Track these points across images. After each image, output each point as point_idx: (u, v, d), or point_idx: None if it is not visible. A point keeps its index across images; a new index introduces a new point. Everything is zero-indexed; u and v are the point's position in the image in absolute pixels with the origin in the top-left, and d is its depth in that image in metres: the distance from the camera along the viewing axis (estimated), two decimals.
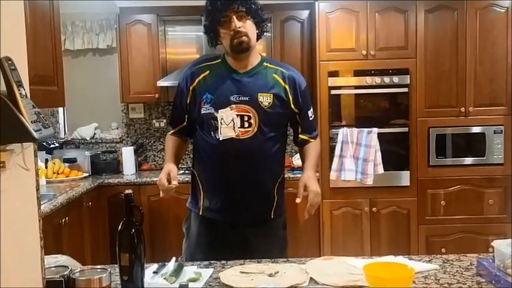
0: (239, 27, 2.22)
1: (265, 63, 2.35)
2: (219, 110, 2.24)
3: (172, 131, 2.47)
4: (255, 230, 2.34)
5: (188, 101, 2.35)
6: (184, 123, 2.42)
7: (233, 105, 2.24)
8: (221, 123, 2.24)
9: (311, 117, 2.44)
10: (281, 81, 2.32)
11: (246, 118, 2.24)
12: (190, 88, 2.33)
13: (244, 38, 2.23)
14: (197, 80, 2.32)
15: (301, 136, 2.45)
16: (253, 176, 2.29)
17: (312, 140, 2.46)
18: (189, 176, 4.53)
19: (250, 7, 2.24)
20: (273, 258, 2.08)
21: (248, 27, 2.25)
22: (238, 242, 2.30)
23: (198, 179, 2.42)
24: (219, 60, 2.36)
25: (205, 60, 2.41)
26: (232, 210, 2.32)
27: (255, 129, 2.25)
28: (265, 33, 2.39)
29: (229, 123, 2.23)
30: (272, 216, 2.38)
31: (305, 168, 2.41)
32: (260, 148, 2.27)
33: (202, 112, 2.28)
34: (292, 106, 2.34)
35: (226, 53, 2.35)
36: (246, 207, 2.32)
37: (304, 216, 2.26)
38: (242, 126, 2.24)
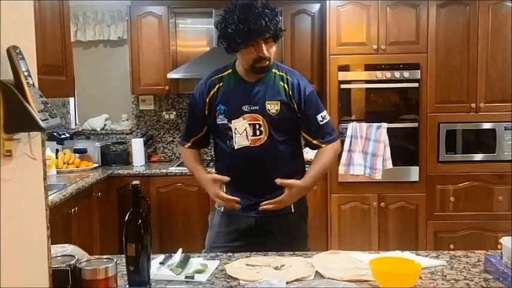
0: (266, 55, 2.25)
1: (273, 70, 2.38)
2: (232, 121, 2.32)
3: (188, 145, 2.51)
4: (275, 222, 2.37)
5: (207, 112, 2.40)
6: (202, 133, 2.47)
7: (245, 115, 2.31)
8: (235, 133, 2.32)
9: (322, 121, 2.39)
10: (286, 87, 2.35)
11: (257, 126, 2.31)
12: (207, 100, 2.39)
13: (267, 63, 2.29)
14: (212, 92, 2.38)
15: (314, 142, 2.42)
16: (270, 179, 2.30)
17: (323, 145, 2.41)
18: None
19: (276, 33, 2.25)
20: (293, 250, 2.11)
21: (272, 51, 2.29)
22: (259, 234, 2.36)
23: None
24: (230, 70, 2.40)
25: (217, 71, 2.43)
26: (254, 209, 2.35)
27: (266, 137, 2.31)
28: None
29: (243, 132, 2.31)
30: (293, 210, 2.40)
31: (304, 177, 2.38)
32: (273, 153, 2.33)
33: (217, 122, 2.36)
34: (297, 111, 2.36)
35: (239, 63, 2.37)
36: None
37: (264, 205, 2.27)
38: (254, 134, 2.31)
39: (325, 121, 2.40)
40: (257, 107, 2.31)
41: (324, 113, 2.42)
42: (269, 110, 2.31)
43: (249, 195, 2.36)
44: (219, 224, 2.44)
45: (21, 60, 1.16)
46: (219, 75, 2.40)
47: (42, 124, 1.15)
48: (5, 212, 1.15)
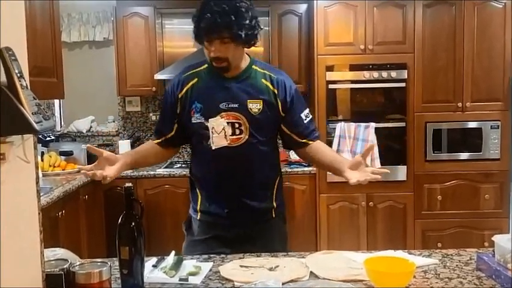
0: (217, 55, 2.11)
1: (253, 67, 2.25)
2: (210, 119, 2.17)
3: (158, 141, 2.37)
4: (256, 229, 2.29)
5: (178, 110, 2.26)
6: (172, 133, 2.32)
7: (223, 113, 2.17)
8: (212, 132, 2.17)
9: (307, 119, 2.30)
10: (270, 85, 2.23)
11: (236, 125, 2.17)
12: (179, 96, 2.24)
13: (223, 64, 2.14)
14: (185, 89, 2.23)
15: (302, 140, 2.30)
16: (249, 181, 2.24)
17: (310, 142, 2.31)
18: (186, 170, 4.54)
19: (235, 34, 2.08)
20: (275, 252, 2.07)
21: (231, 51, 2.12)
22: (239, 240, 2.26)
23: (196, 184, 2.36)
24: (206, 65, 2.25)
25: (191, 67, 2.30)
26: (232, 215, 2.27)
27: (246, 136, 2.18)
28: (256, 43, 2.23)
29: (220, 132, 2.17)
30: (273, 216, 2.34)
31: (341, 158, 2.29)
32: (253, 154, 2.22)
33: (192, 121, 2.21)
34: (280, 111, 2.24)
35: None
36: (245, 211, 2.27)
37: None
38: (233, 133, 2.18)
39: (309, 118, 2.32)
40: (236, 105, 2.16)
41: (307, 110, 2.33)
42: (251, 109, 2.17)
43: (226, 204, 2.26)
44: (197, 232, 2.34)
45: (14, 62, 1.14)
46: (194, 71, 2.26)
47: (37, 126, 1.13)
48: None
